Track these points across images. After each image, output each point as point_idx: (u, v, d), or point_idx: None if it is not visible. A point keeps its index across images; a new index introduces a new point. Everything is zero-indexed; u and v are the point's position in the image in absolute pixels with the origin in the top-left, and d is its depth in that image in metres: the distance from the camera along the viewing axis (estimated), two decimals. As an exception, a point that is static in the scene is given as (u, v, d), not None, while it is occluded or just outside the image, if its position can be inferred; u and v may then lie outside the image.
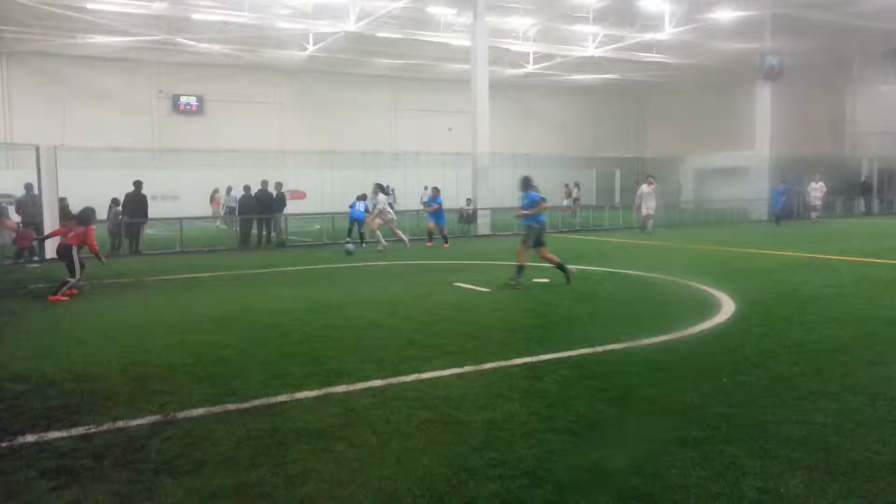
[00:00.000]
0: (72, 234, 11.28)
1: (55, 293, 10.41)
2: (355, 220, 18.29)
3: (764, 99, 29.69)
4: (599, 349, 6.80)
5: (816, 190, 27.63)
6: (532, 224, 11.12)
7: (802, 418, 4.79)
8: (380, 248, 17.21)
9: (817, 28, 31.18)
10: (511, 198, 35.37)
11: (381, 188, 18.26)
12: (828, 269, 12.72)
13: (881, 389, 5.41)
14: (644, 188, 22.52)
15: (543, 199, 11.22)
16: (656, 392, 5.40)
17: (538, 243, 11.13)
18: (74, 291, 10.81)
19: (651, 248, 17.39)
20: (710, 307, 8.97)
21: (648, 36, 31.78)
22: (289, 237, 20.82)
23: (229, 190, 27.40)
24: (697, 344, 6.99)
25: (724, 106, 42.51)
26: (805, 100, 37.28)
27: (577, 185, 35.26)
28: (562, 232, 23.81)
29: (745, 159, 32.19)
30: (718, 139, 42.53)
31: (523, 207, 11.33)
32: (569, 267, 11.21)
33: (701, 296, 9.93)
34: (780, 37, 30.81)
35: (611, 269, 13.01)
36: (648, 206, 22.24)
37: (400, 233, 18.00)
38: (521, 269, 10.97)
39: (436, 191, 19.68)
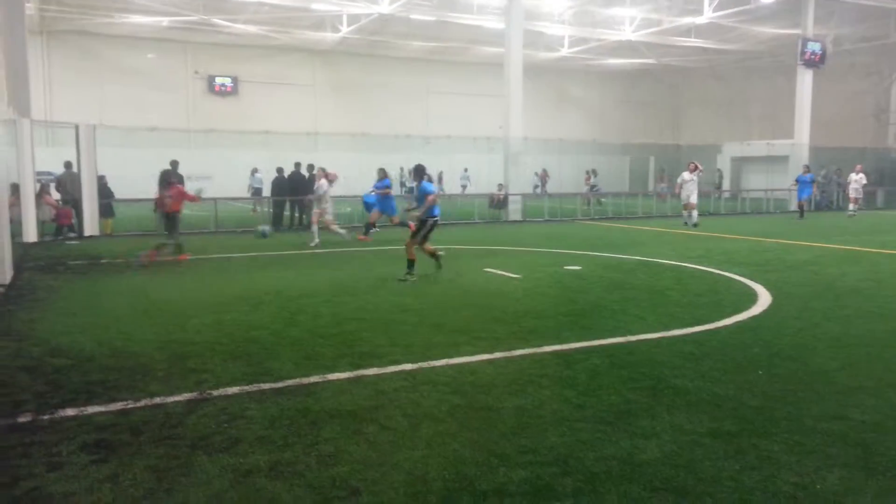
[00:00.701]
0: (172, 199, 12.49)
1: (176, 254, 12.27)
2: (367, 205, 18.19)
3: (805, 86, 28.96)
4: (631, 338, 6.75)
5: (856, 182, 25.77)
6: (426, 218, 10.37)
7: (840, 414, 4.71)
8: (316, 242, 15.03)
9: (862, 13, 30.31)
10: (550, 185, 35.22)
11: (385, 173, 17.41)
12: (866, 262, 12.44)
13: (922, 387, 5.29)
14: (685, 175, 20.65)
15: (437, 191, 10.58)
16: (689, 383, 5.35)
17: (425, 238, 10.49)
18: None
19: (685, 238, 17.17)
20: (745, 299, 8.84)
21: (687, 20, 31.17)
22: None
23: (254, 171, 27.68)
24: (732, 336, 6.89)
25: (763, 93, 41.77)
26: (847, 88, 36.42)
27: (594, 171, 34.52)
28: (581, 220, 23.63)
29: (784, 148, 31.55)
30: (756, 127, 41.82)
31: (416, 199, 10.59)
32: (439, 252, 10.83)
33: (736, 287, 9.79)
34: (822, 22, 30.02)
35: (643, 258, 12.88)
36: (689, 195, 20.39)
37: (335, 227, 15.71)
38: (412, 263, 10.30)
39: (382, 172, 17.61)
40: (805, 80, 28.90)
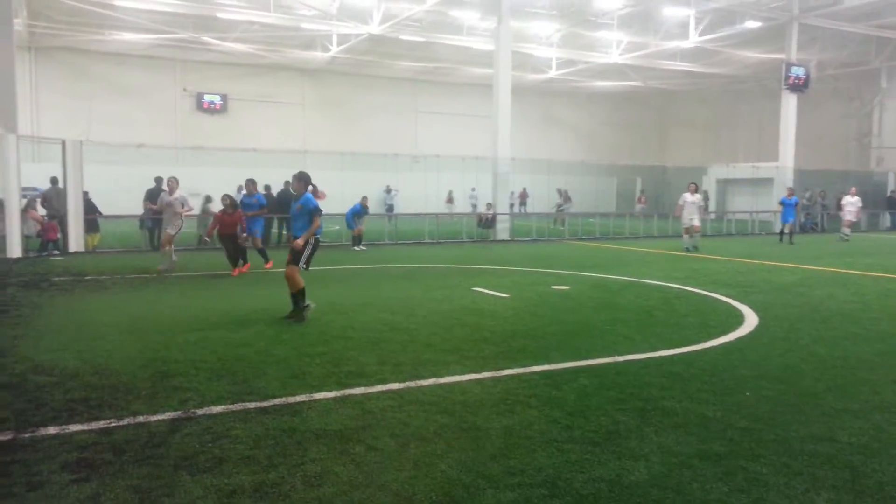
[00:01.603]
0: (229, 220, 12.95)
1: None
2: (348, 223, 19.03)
3: (789, 110, 29.37)
4: (619, 359, 6.74)
5: (852, 204, 24.82)
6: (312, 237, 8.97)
7: (828, 436, 4.71)
8: (161, 266, 13.11)
9: (844, 39, 30.90)
10: (530, 204, 35.40)
11: (252, 184, 14.97)
12: (853, 284, 12.54)
13: (908, 409, 5.31)
14: (687, 196, 19.51)
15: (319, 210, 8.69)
16: (677, 404, 5.34)
17: (308, 262, 8.80)
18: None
19: (671, 259, 17.26)
20: (732, 320, 8.88)
21: (673, 44, 31.61)
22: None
23: (240, 189, 27.58)
24: (719, 357, 6.90)
25: (749, 116, 42.33)
26: (831, 112, 36.99)
27: (564, 192, 33.32)
28: (569, 240, 23.72)
29: (769, 171, 31.89)
30: (742, 149, 42.30)
31: (295, 214, 8.73)
32: (308, 304, 8.65)
33: (723, 308, 9.83)
34: (806, 48, 30.54)
35: (631, 279, 12.92)
36: (691, 218, 19.34)
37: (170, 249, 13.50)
38: (302, 293, 8.58)
39: (251, 184, 15.16)
40: (789, 103, 29.32)
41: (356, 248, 18.55)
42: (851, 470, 4.16)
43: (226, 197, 13.36)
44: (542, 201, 34.34)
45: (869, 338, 7.86)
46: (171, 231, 13.48)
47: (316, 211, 8.61)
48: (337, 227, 22.20)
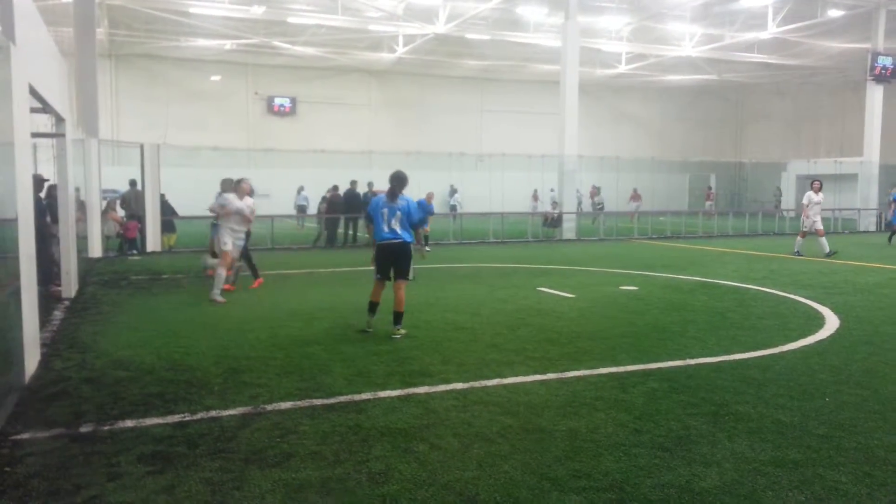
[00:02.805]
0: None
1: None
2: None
3: (875, 102, 27.94)
4: (691, 362, 6.54)
5: None
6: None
7: (915, 445, 4.45)
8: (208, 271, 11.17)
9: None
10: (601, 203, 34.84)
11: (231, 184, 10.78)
12: (943, 284, 11.84)
13: None
14: (812, 196, 17.39)
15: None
16: (752, 409, 5.15)
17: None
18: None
19: (748, 259, 16.68)
20: (811, 322, 8.50)
21: (750, 35, 30.52)
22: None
23: (300, 189, 28.27)
24: (797, 361, 6.62)
25: (830, 109, 40.53)
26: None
27: (598, 189, 32.50)
28: (638, 239, 23.20)
29: (852, 166, 30.47)
30: (823, 144, 40.55)
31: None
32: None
33: (802, 309, 9.43)
34: (893, 36, 28.97)
35: (704, 279, 12.55)
36: (815, 220, 17.22)
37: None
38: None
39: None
40: (875, 95, 27.89)
41: (419, 247, 18.46)
42: (942, 483, 3.92)
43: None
44: (610, 200, 33.77)
45: (962, 342, 7.40)
46: (228, 248, 10.32)
47: (421, 224, 8.09)
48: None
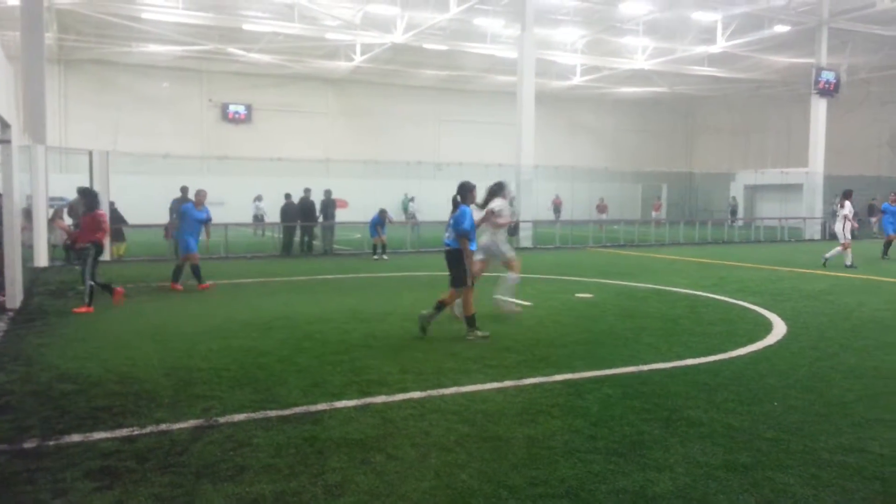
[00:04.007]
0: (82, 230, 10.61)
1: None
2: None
3: (819, 115, 28.91)
4: (644, 368, 6.64)
5: None
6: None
7: (858, 447, 4.59)
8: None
9: (876, 43, 30.38)
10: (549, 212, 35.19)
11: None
12: (885, 292, 12.28)
13: (943, 420, 5.16)
14: (849, 206, 16.62)
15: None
16: (703, 414, 5.25)
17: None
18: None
19: (698, 266, 17.03)
20: (760, 328, 8.72)
21: (700, 49, 31.33)
22: (332, 245, 21.01)
23: (259, 198, 27.94)
24: (746, 366, 6.78)
25: (777, 121, 41.79)
26: (862, 117, 36.39)
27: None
28: (593, 247, 23.54)
29: (798, 176, 31.43)
30: (770, 155, 41.76)
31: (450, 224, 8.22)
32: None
33: (751, 316, 9.67)
34: (836, 51, 30.07)
35: (656, 286, 12.77)
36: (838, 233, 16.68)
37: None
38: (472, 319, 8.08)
39: (201, 194, 12.89)
40: (819, 108, 28.87)
41: (376, 256, 18.48)
42: (882, 482, 4.05)
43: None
44: (566, 209, 34.19)
45: (902, 346, 7.67)
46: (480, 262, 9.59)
47: (464, 233, 7.93)
48: (359, 235, 22.29)
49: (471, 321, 8.03)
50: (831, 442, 4.68)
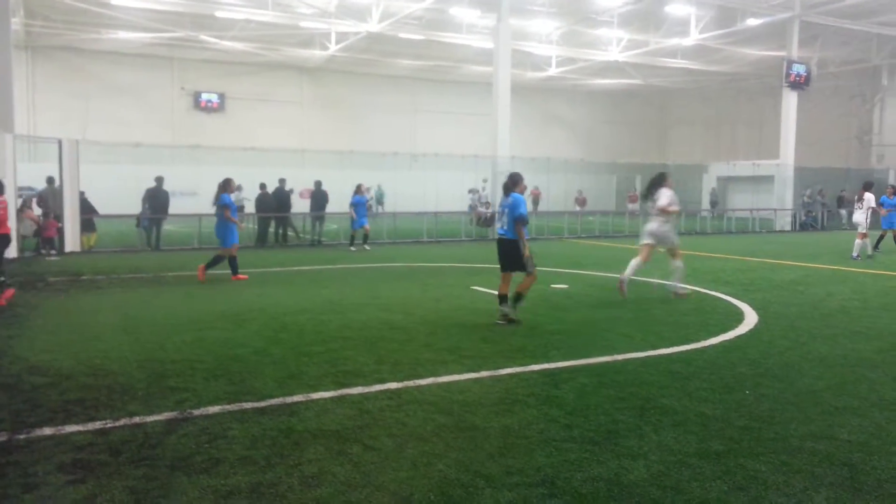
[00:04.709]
0: None
1: None
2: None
3: (789, 108, 29.31)
4: (619, 358, 6.71)
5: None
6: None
7: (827, 434, 4.69)
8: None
9: (846, 37, 30.84)
10: (528, 202, 35.26)
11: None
12: (852, 282, 12.52)
13: (908, 407, 5.29)
14: (871, 196, 16.59)
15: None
16: (676, 403, 5.32)
17: None
18: None
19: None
20: (731, 318, 8.85)
21: (673, 41, 31.56)
22: (303, 236, 20.88)
23: (240, 188, 27.50)
24: (719, 355, 6.88)
25: (749, 114, 42.32)
26: (831, 110, 36.97)
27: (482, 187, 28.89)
28: (568, 238, 23.69)
29: (769, 168, 31.87)
30: (742, 147, 42.28)
31: (500, 212, 8.56)
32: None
33: (722, 306, 9.80)
34: (807, 45, 30.49)
35: (630, 277, 12.86)
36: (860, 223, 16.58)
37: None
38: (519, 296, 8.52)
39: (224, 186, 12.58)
40: (790, 101, 29.26)
41: (354, 247, 18.36)
42: (850, 468, 4.14)
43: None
44: (543, 201, 34.30)
45: (869, 335, 7.84)
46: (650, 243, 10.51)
47: (521, 219, 8.14)
48: (335, 227, 22.17)
49: (519, 298, 8.37)
50: (801, 429, 4.78)
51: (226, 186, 12.46)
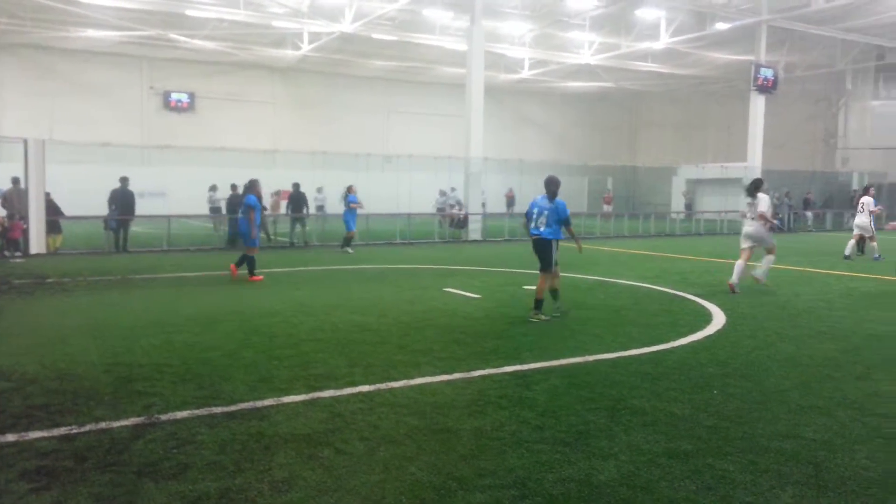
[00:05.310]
0: None
1: None
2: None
3: (757, 111, 29.84)
4: (590, 358, 6.76)
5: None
6: None
7: (793, 433, 4.77)
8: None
9: (812, 42, 31.44)
10: (502, 204, 35.50)
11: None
12: (817, 283, 12.76)
13: (870, 405, 5.40)
14: (869, 199, 16.74)
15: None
16: (646, 403, 5.37)
17: None
18: None
19: (641, 259, 17.40)
20: (700, 319, 8.97)
21: (644, 45, 31.91)
22: (276, 237, 20.74)
23: (214, 188, 27.19)
24: (687, 355, 6.96)
25: (718, 117, 42.92)
26: (798, 113, 37.68)
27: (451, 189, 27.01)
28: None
29: (737, 171, 32.36)
30: (711, 150, 42.88)
31: (535, 214, 9.04)
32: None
33: (691, 307, 9.92)
34: (774, 49, 31.03)
35: (601, 278, 12.99)
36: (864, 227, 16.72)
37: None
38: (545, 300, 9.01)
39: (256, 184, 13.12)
40: (758, 104, 29.76)
41: (351, 249, 18.21)
42: (815, 466, 4.22)
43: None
44: (517, 202, 34.44)
45: (834, 336, 7.99)
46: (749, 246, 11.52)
47: (567, 221, 8.94)
48: (308, 228, 22.00)
49: (538, 304, 8.77)
50: (768, 429, 4.85)
51: (251, 187, 12.84)
